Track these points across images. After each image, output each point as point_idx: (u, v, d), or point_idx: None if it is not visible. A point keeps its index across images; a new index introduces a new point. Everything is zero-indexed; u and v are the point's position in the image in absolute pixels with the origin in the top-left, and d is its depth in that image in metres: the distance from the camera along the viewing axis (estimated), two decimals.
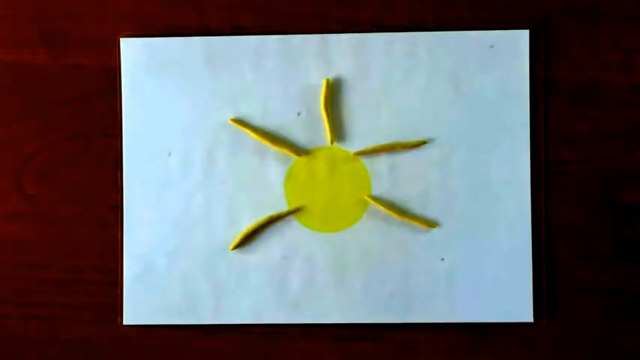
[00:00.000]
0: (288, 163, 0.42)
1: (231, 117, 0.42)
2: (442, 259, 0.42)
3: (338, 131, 0.42)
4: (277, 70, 0.42)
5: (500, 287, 0.42)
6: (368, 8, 0.42)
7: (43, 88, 0.43)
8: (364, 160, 0.42)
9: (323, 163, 0.42)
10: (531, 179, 0.42)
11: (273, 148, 0.42)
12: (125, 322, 0.42)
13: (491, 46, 0.42)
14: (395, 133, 0.42)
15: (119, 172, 0.42)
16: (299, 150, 0.42)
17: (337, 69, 0.42)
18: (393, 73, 0.42)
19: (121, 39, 0.42)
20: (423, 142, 0.42)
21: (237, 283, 0.42)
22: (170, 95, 0.42)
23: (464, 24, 0.42)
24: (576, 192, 0.42)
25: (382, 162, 0.42)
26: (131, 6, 0.43)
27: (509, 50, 0.42)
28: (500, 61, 0.42)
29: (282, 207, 0.42)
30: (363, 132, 0.42)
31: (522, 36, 0.42)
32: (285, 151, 0.42)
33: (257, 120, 0.42)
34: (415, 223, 0.42)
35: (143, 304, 0.42)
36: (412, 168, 0.42)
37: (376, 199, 0.42)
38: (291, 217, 0.42)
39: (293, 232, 0.42)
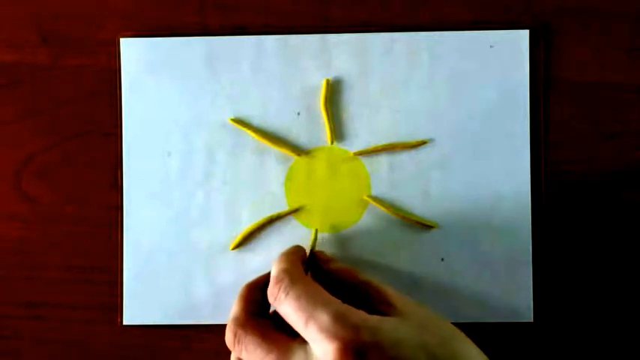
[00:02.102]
0: (288, 163, 0.42)
1: (231, 117, 0.42)
2: (442, 259, 0.42)
3: (338, 131, 0.42)
4: (277, 70, 0.42)
5: (501, 287, 0.42)
6: (368, 8, 0.42)
7: (43, 88, 0.43)
8: (364, 160, 0.42)
9: (323, 163, 0.42)
10: (531, 179, 0.42)
11: (273, 148, 0.42)
12: (125, 322, 0.42)
13: (491, 46, 0.42)
14: (395, 133, 0.42)
15: (119, 172, 0.42)
16: (299, 150, 0.42)
17: (337, 69, 0.42)
18: (393, 73, 0.42)
19: (121, 39, 0.42)
20: (423, 142, 0.42)
21: (237, 283, 0.42)
22: (170, 95, 0.42)
23: (464, 24, 0.42)
24: (576, 192, 0.42)
25: (382, 162, 0.42)
26: (131, 6, 0.43)
27: (509, 50, 0.42)
28: (500, 61, 0.42)
29: (282, 207, 0.42)
30: (363, 132, 0.42)
31: (522, 36, 0.42)
32: (285, 151, 0.42)
33: (257, 120, 0.42)
34: (415, 223, 0.42)
35: (143, 304, 0.42)
36: (412, 168, 0.42)
37: (376, 199, 0.42)
38: (291, 217, 0.42)
39: (293, 232, 0.42)
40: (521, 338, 0.42)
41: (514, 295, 0.42)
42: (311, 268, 0.39)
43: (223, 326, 0.42)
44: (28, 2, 0.43)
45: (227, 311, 0.42)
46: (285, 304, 0.34)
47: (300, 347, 0.33)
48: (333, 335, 0.31)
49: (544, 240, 0.42)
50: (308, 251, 0.40)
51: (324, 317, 0.32)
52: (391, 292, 0.36)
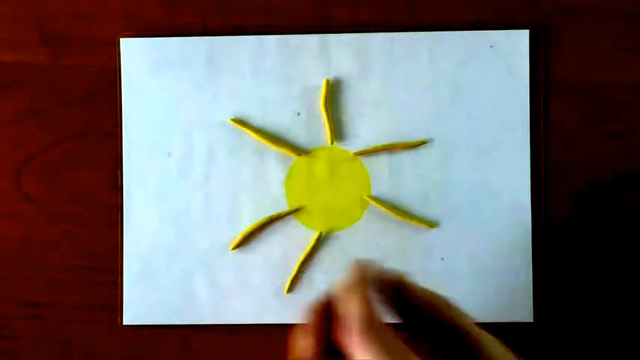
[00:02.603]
0: (288, 163, 0.42)
1: (231, 117, 0.42)
2: (442, 259, 0.42)
3: (338, 131, 0.42)
4: (277, 70, 0.42)
5: (500, 287, 0.42)
6: (368, 8, 0.42)
7: (43, 88, 0.43)
8: (364, 160, 0.42)
9: (323, 163, 0.42)
10: (531, 179, 0.42)
11: (273, 148, 0.42)
12: (125, 322, 0.42)
13: (491, 46, 0.42)
14: (395, 133, 0.42)
15: (119, 172, 0.42)
16: (299, 150, 0.42)
17: (337, 69, 0.42)
18: (393, 73, 0.42)
19: (121, 39, 0.42)
20: (423, 142, 0.42)
21: (237, 283, 0.42)
22: (170, 95, 0.42)
23: (464, 24, 0.42)
24: (576, 192, 0.42)
25: (382, 162, 0.42)
26: (131, 6, 0.43)
27: (509, 50, 0.42)
28: (500, 61, 0.42)
29: (282, 207, 0.42)
30: (363, 132, 0.42)
31: (522, 36, 0.42)
32: (285, 151, 0.42)
33: (257, 120, 0.42)
34: (415, 223, 0.42)
35: (143, 304, 0.42)
36: (412, 168, 0.42)
37: (376, 199, 0.42)
38: (291, 217, 0.42)
39: (293, 232, 0.42)
40: (521, 338, 0.42)
41: (514, 295, 0.42)
42: (386, 293, 0.34)
43: (223, 326, 0.42)
44: (28, 2, 0.43)
45: (227, 311, 0.42)
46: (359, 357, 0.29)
47: None
48: None
49: (544, 240, 0.42)
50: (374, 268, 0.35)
51: None
52: (488, 344, 0.32)
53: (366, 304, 0.31)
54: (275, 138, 0.42)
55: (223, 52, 0.42)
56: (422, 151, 0.42)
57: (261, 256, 0.42)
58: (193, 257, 0.42)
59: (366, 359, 0.29)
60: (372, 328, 0.29)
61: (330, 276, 0.42)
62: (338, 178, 0.42)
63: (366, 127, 0.42)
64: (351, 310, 0.30)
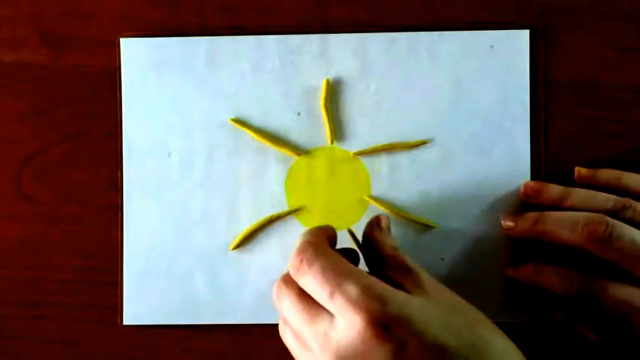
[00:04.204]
0: (288, 163, 0.42)
1: (231, 117, 0.42)
2: (442, 259, 0.42)
3: (338, 131, 0.42)
4: (277, 70, 0.42)
5: (500, 287, 0.42)
6: (368, 8, 0.42)
7: (43, 88, 0.43)
8: (364, 160, 0.42)
9: (323, 163, 0.42)
10: (531, 179, 0.42)
11: (273, 148, 0.42)
12: (125, 322, 0.42)
13: (492, 46, 0.42)
14: (395, 133, 0.42)
15: (119, 172, 0.42)
16: (299, 150, 0.42)
17: (337, 69, 0.42)
18: (393, 73, 0.42)
19: (121, 39, 0.42)
20: (423, 142, 0.42)
21: (237, 283, 0.42)
22: (170, 95, 0.42)
23: (464, 24, 0.42)
24: None
25: (382, 162, 0.42)
26: (131, 6, 0.43)
27: (509, 50, 0.42)
28: (500, 61, 0.42)
29: (282, 207, 0.42)
30: (363, 132, 0.42)
31: (522, 36, 0.42)
32: (285, 151, 0.42)
33: (257, 120, 0.42)
34: (415, 223, 0.42)
35: (143, 304, 0.42)
36: (412, 168, 0.42)
37: (376, 199, 0.42)
38: (291, 217, 0.42)
39: (293, 232, 0.42)
40: (520, 338, 0.42)
41: (514, 295, 0.42)
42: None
43: (223, 326, 0.42)
44: (28, 2, 0.43)
45: (227, 311, 0.42)
46: (308, 276, 0.33)
47: (328, 315, 0.33)
48: (360, 307, 0.31)
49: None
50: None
51: (351, 289, 0.31)
52: (423, 274, 0.35)
53: (312, 235, 0.35)
54: (275, 138, 0.42)
55: (223, 52, 0.42)
56: (422, 151, 0.42)
57: (261, 256, 0.42)
58: (193, 257, 0.42)
59: (314, 278, 0.33)
60: (317, 250, 0.34)
61: None
62: (338, 178, 0.42)
63: (366, 127, 0.42)
64: (299, 240, 0.35)
